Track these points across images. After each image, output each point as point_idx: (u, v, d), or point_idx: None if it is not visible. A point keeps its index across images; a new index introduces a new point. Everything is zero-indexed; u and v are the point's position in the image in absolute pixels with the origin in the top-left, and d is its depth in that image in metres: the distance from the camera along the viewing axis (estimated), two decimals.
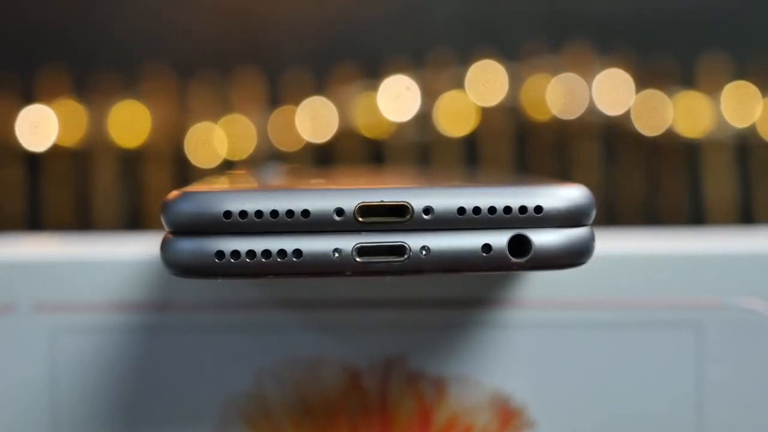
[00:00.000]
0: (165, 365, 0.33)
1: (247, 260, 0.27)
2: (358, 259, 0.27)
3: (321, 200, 0.27)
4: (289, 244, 0.27)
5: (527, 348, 0.33)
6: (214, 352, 0.33)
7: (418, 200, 0.27)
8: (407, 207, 0.27)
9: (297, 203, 0.27)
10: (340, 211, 0.27)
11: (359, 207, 0.27)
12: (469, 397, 0.33)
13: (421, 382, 0.33)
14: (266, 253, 0.27)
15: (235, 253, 0.27)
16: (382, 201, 0.27)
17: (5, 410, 0.33)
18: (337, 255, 0.27)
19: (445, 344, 0.33)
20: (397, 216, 0.27)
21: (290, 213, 0.27)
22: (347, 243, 0.27)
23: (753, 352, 0.33)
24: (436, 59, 0.92)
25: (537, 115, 0.92)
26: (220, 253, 0.27)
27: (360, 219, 0.27)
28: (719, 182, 0.91)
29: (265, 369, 0.33)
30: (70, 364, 0.33)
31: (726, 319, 0.33)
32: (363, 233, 0.27)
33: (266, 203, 0.27)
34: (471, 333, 0.33)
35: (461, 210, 0.27)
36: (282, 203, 0.27)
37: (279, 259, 0.27)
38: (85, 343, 0.33)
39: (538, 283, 0.33)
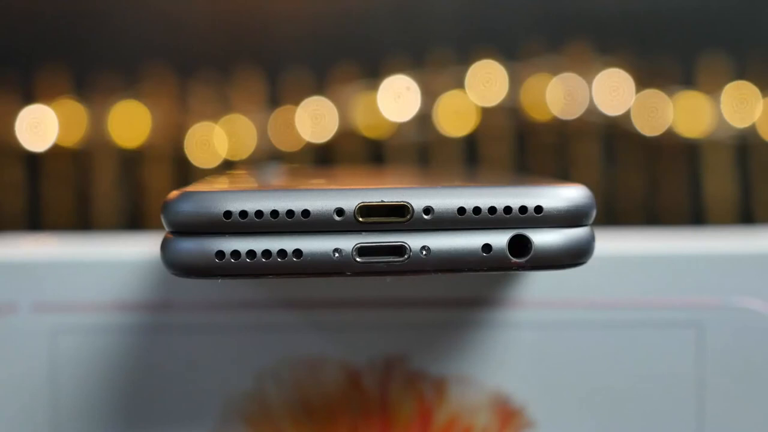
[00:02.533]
0: (165, 365, 0.33)
1: (248, 260, 0.27)
2: (358, 259, 0.27)
3: (321, 200, 0.27)
4: (289, 244, 0.27)
5: (527, 348, 0.33)
6: (214, 352, 0.33)
7: (418, 200, 0.27)
8: (407, 207, 0.27)
9: (297, 203, 0.27)
10: (340, 211, 0.27)
11: (359, 207, 0.27)
12: (469, 397, 0.33)
13: (421, 382, 0.33)
14: (266, 253, 0.27)
15: (236, 253, 0.27)
16: (382, 201, 0.27)
17: (5, 409, 0.33)
18: (337, 255, 0.27)
19: (446, 344, 0.33)
20: (397, 216, 0.27)
21: (290, 213, 0.27)
22: (347, 243, 0.27)
23: (753, 352, 0.33)
24: (437, 59, 0.92)
25: (537, 115, 0.92)
26: (220, 253, 0.27)
27: (360, 219, 0.27)
28: (719, 182, 0.91)
29: (265, 369, 0.33)
30: (70, 364, 0.33)
31: (726, 318, 0.33)
32: (363, 233, 0.27)
33: (266, 203, 0.27)
34: (471, 333, 0.33)
35: (461, 210, 0.27)
36: (282, 203, 0.27)
37: (279, 259, 0.27)
38: (85, 343, 0.33)
39: (538, 283, 0.33)
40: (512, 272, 0.30)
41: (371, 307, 0.33)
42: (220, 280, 0.29)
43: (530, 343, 0.33)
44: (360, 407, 0.33)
